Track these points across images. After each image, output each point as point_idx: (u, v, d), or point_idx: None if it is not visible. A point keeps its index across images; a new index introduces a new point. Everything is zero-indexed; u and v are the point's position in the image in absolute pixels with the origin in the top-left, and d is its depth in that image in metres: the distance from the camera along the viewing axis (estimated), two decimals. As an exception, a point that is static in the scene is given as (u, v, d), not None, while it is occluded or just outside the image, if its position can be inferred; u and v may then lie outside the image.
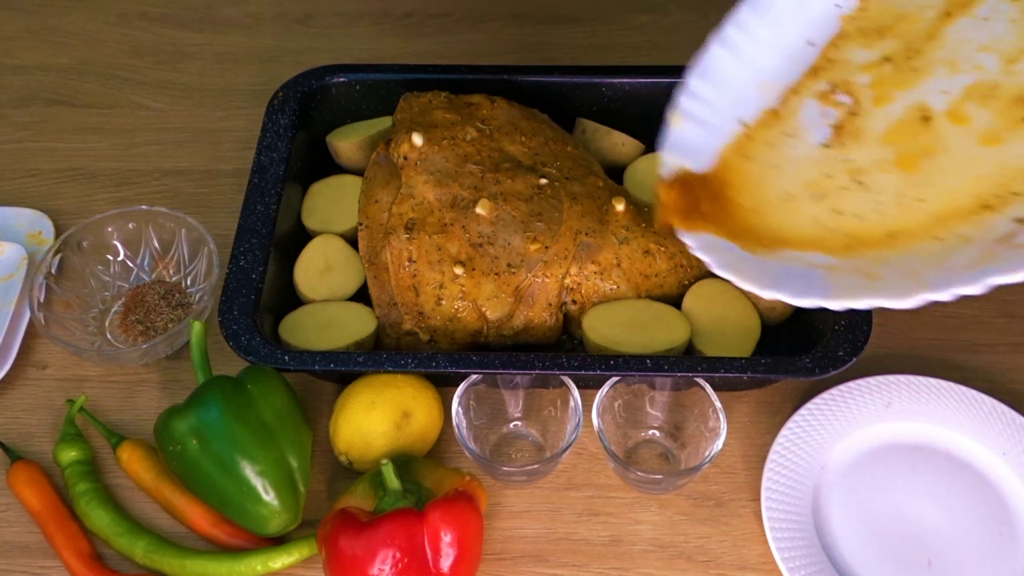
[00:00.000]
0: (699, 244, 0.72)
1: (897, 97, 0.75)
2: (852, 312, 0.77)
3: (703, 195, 0.76)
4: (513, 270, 0.82)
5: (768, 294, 0.68)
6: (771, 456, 0.78)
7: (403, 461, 0.75)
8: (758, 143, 0.77)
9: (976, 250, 0.65)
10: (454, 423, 0.76)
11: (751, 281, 0.69)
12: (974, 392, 0.81)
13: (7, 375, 0.86)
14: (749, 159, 0.77)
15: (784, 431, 0.79)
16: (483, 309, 0.81)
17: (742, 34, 0.80)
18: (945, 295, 0.63)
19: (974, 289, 0.62)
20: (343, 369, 0.77)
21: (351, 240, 0.89)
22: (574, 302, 0.83)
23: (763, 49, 0.80)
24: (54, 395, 0.86)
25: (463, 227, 0.83)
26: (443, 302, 0.81)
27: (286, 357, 0.77)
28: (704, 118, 0.78)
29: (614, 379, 0.77)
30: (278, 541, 0.76)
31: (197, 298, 0.89)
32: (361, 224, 0.86)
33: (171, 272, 0.92)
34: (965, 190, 0.69)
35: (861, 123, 0.75)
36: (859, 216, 0.71)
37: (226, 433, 0.72)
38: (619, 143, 0.95)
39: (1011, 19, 0.73)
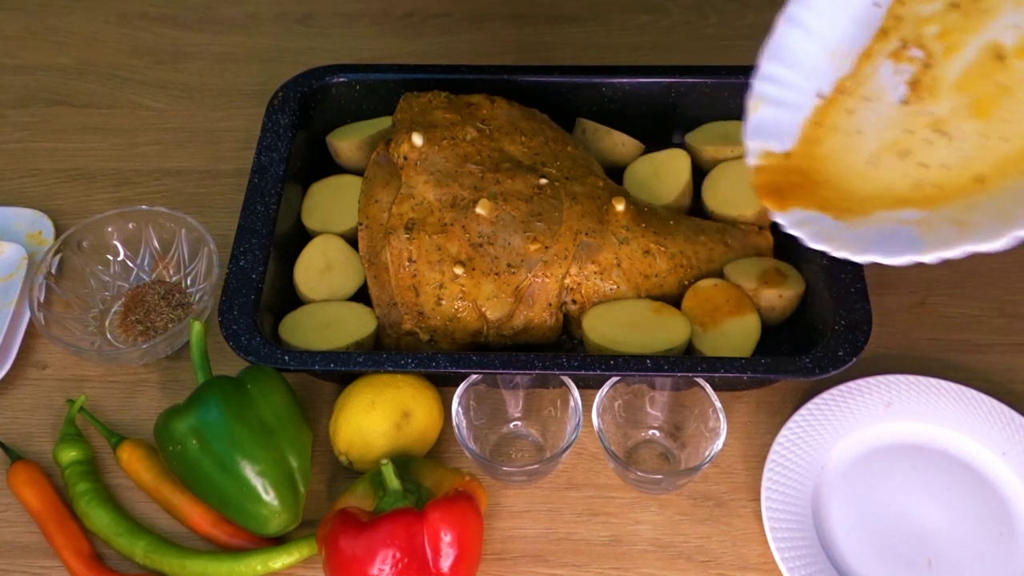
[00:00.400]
0: (791, 221, 0.73)
1: (968, 42, 0.75)
2: (852, 312, 0.77)
3: (792, 172, 0.77)
4: (513, 270, 0.82)
5: (862, 258, 0.69)
6: (771, 456, 0.78)
7: (403, 461, 0.75)
8: (838, 112, 0.78)
9: None
10: (454, 423, 0.76)
11: (845, 247, 0.70)
12: (974, 392, 0.81)
13: (7, 375, 0.86)
14: (831, 129, 0.78)
15: (784, 431, 0.79)
16: (483, 309, 0.81)
17: (806, 9, 0.80)
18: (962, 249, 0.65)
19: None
20: (343, 369, 0.77)
21: (351, 240, 0.89)
22: (574, 302, 0.83)
23: (829, 20, 0.80)
24: (54, 395, 0.86)
25: (463, 227, 0.83)
26: (443, 302, 0.81)
27: (286, 357, 0.77)
28: (781, 98, 0.79)
29: (614, 379, 0.77)
30: (278, 541, 0.76)
31: (197, 298, 0.89)
32: (361, 224, 0.86)
33: (171, 272, 0.92)
34: None
35: (936, 74, 0.75)
36: (945, 166, 0.72)
37: (226, 433, 0.72)
38: (619, 143, 0.95)
39: None
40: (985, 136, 0.72)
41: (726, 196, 0.91)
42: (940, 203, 0.71)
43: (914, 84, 0.76)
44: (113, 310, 0.90)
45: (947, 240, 0.68)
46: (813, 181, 0.76)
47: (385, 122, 0.95)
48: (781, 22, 0.80)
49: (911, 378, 0.82)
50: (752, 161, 0.78)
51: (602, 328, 0.81)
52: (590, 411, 0.76)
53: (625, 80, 0.95)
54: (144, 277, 0.92)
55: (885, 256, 0.69)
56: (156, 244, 0.92)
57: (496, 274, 0.82)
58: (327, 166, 0.96)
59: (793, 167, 0.77)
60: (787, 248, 0.89)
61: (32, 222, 0.96)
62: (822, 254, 0.80)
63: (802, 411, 0.80)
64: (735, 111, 0.95)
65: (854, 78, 0.78)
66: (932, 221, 0.70)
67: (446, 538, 0.68)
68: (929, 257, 0.68)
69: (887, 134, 0.76)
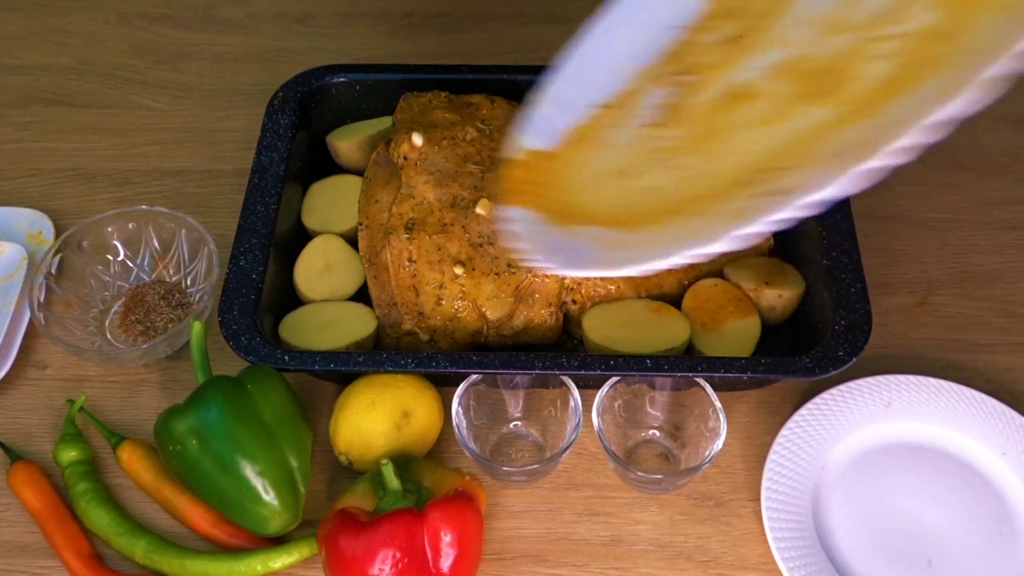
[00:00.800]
0: (509, 215, 0.76)
1: (724, 76, 0.76)
2: (852, 312, 0.77)
3: (542, 172, 0.79)
4: (513, 270, 0.82)
5: (539, 264, 0.73)
6: (771, 456, 0.78)
7: (403, 461, 0.75)
8: (600, 125, 0.79)
9: (710, 222, 0.67)
10: (454, 423, 0.76)
11: (534, 251, 0.73)
12: (974, 392, 0.81)
13: (7, 375, 0.86)
14: (588, 139, 0.79)
15: (784, 431, 0.79)
16: (483, 309, 0.81)
17: (606, 21, 0.82)
18: (662, 264, 0.66)
19: (670, 262, 0.65)
20: (343, 369, 0.77)
21: (351, 240, 0.89)
22: (574, 302, 0.83)
23: (622, 35, 0.81)
24: (54, 395, 0.86)
25: (463, 227, 0.83)
26: (443, 302, 0.81)
27: (286, 357, 0.77)
28: (562, 100, 0.80)
29: (614, 379, 0.77)
30: (278, 541, 0.76)
31: (197, 298, 0.89)
32: (361, 224, 0.86)
33: (171, 272, 0.92)
34: (740, 165, 0.69)
35: (688, 102, 0.76)
36: (654, 192, 0.72)
37: (226, 433, 0.72)
38: (619, 143, 0.95)
39: None
40: (691, 170, 0.72)
41: (726, 196, 0.90)
42: (635, 226, 0.71)
43: (667, 109, 0.76)
44: (113, 310, 0.90)
45: (605, 262, 0.69)
46: (554, 185, 0.77)
47: (385, 122, 0.95)
48: (584, 30, 0.82)
49: (911, 378, 0.82)
50: (511, 153, 0.80)
51: (602, 328, 0.81)
52: (590, 411, 0.76)
53: (625, 80, 0.95)
54: (144, 277, 0.92)
55: (558, 266, 0.72)
56: (156, 244, 0.92)
57: (496, 274, 0.82)
58: (327, 166, 0.96)
59: (545, 168, 0.79)
60: (787, 248, 0.89)
61: (32, 222, 0.96)
62: (822, 254, 0.81)
63: (802, 411, 0.80)
64: (735, 111, 0.95)
65: (625, 94, 0.79)
66: (616, 242, 0.71)
67: (446, 538, 0.68)
68: (581, 272, 0.71)
69: (624, 152, 0.77)
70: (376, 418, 0.76)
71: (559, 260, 0.72)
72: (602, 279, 0.82)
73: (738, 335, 0.81)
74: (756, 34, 0.76)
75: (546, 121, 0.81)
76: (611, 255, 0.70)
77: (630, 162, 0.76)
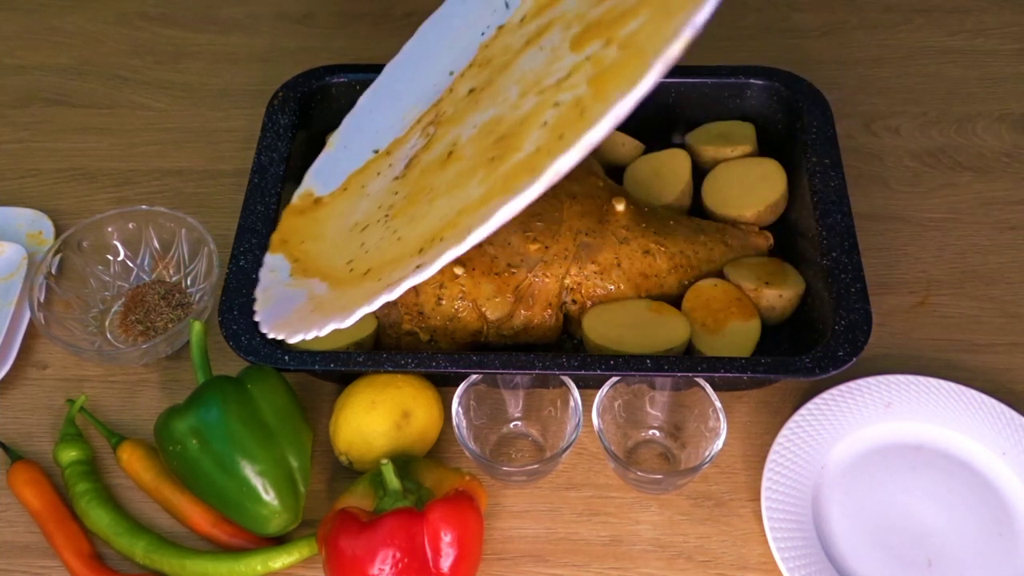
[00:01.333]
0: (266, 262, 0.76)
1: (453, 132, 0.73)
2: (852, 312, 0.77)
3: (309, 219, 0.77)
4: (513, 270, 0.82)
5: (258, 313, 0.73)
6: (771, 456, 0.78)
7: (403, 461, 0.75)
8: (370, 172, 0.77)
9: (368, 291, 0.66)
10: (454, 423, 0.76)
11: (260, 301, 0.73)
12: (974, 392, 0.81)
13: (7, 375, 0.86)
14: (357, 186, 0.77)
15: (784, 431, 0.79)
16: (483, 309, 0.81)
17: (406, 60, 0.78)
18: (323, 331, 0.66)
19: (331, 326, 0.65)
20: (343, 369, 0.77)
21: (351, 240, 0.89)
22: (574, 302, 0.83)
23: (414, 79, 0.78)
24: (54, 395, 0.86)
25: (463, 227, 0.82)
26: (443, 302, 0.81)
27: (286, 357, 0.77)
28: (350, 144, 0.78)
29: (614, 379, 0.77)
30: (278, 541, 0.76)
31: (197, 298, 0.89)
32: (361, 224, 0.86)
33: (171, 272, 0.92)
34: (423, 232, 0.67)
35: (419, 157, 0.73)
36: (368, 250, 0.71)
37: (226, 433, 0.72)
38: (619, 143, 0.95)
39: (552, 48, 0.69)
40: (395, 231, 0.70)
41: (726, 196, 0.91)
42: (341, 285, 0.70)
43: (409, 162, 0.74)
44: (113, 310, 0.90)
45: (296, 324, 0.68)
46: (311, 233, 0.76)
47: (385, 122, 0.95)
48: (387, 67, 0.79)
49: (911, 378, 0.82)
50: (293, 199, 0.79)
51: (602, 328, 0.81)
52: (590, 411, 0.76)
53: (625, 80, 0.95)
54: (144, 277, 0.92)
55: (263, 318, 0.72)
56: (156, 244, 0.92)
57: (496, 274, 0.82)
58: (327, 166, 0.96)
59: (313, 215, 0.77)
60: (787, 248, 0.89)
61: (32, 222, 0.96)
62: (822, 254, 0.81)
63: (802, 411, 0.80)
64: (735, 111, 0.96)
65: (399, 142, 0.77)
66: (325, 302, 0.69)
67: (446, 538, 0.68)
68: (273, 333, 0.70)
69: (370, 205, 0.75)
70: (376, 418, 0.76)
71: (267, 313, 0.72)
72: (602, 279, 0.82)
73: (738, 335, 0.81)
74: (488, 88, 0.72)
75: (333, 164, 0.79)
76: (309, 317, 0.69)
77: (369, 216, 0.74)
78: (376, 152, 0.77)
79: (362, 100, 0.80)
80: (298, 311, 0.71)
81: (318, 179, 0.80)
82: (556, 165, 0.58)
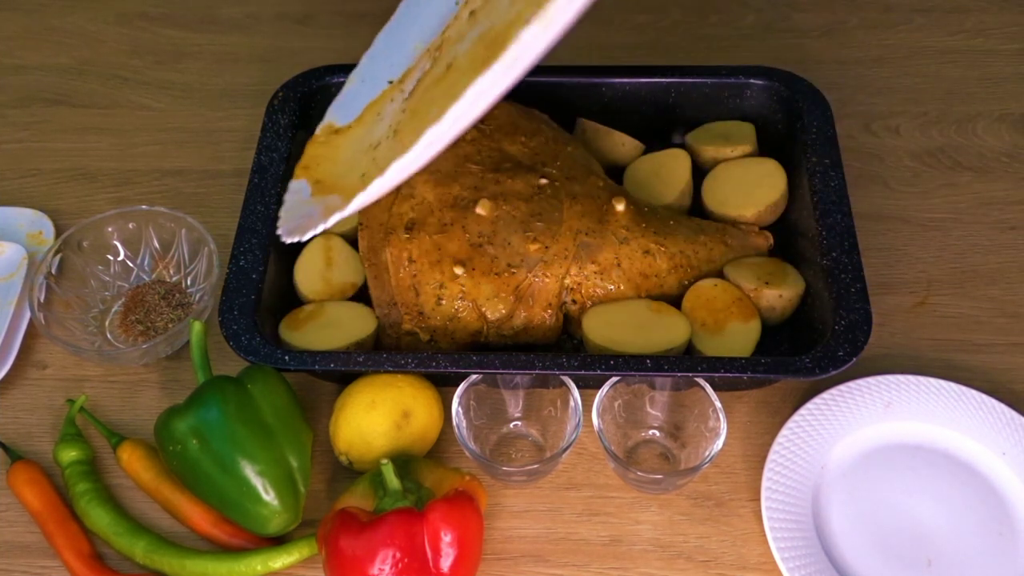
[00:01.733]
0: (291, 187, 0.80)
1: (450, 50, 0.75)
2: (852, 312, 0.77)
3: (330, 146, 0.81)
4: (513, 270, 0.82)
5: (280, 228, 0.77)
6: (771, 456, 0.78)
7: (403, 461, 0.75)
8: (385, 99, 0.80)
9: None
10: (454, 423, 0.76)
11: (281, 220, 0.77)
12: (974, 392, 0.81)
13: (7, 375, 0.86)
14: (372, 113, 0.80)
15: (784, 431, 0.79)
16: (483, 309, 0.81)
17: None
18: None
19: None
20: (343, 369, 0.77)
21: (351, 240, 0.89)
22: (574, 302, 0.83)
23: (423, 12, 0.82)
24: (54, 395, 0.86)
25: (463, 227, 0.83)
26: (443, 302, 0.81)
27: (286, 357, 0.77)
28: (366, 77, 0.82)
29: (614, 379, 0.77)
30: (278, 541, 0.76)
31: (197, 298, 0.89)
32: (361, 224, 0.86)
33: (171, 272, 0.92)
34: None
35: (427, 76, 0.76)
36: (379, 162, 0.73)
37: (226, 433, 0.72)
38: (619, 143, 0.95)
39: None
40: (400, 142, 0.72)
41: (726, 196, 0.91)
42: (354, 194, 0.72)
43: (417, 84, 0.77)
44: (113, 310, 0.90)
45: (322, 219, 0.72)
46: (332, 158, 0.80)
47: (385, 122, 0.95)
48: (401, 5, 0.83)
49: (911, 378, 0.82)
50: (316, 131, 0.82)
51: (602, 328, 0.81)
52: (590, 411, 0.76)
53: (625, 80, 0.95)
54: (144, 277, 0.92)
55: (285, 232, 0.76)
56: (156, 244, 0.92)
57: (496, 274, 0.82)
58: (327, 166, 0.96)
59: (334, 142, 0.81)
60: (787, 248, 0.89)
61: (32, 222, 0.96)
62: (822, 254, 0.81)
63: (802, 411, 0.80)
64: (735, 111, 0.96)
65: (410, 70, 0.79)
66: (335, 206, 0.73)
67: (446, 538, 0.68)
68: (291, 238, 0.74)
69: (383, 126, 0.78)
70: (376, 418, 0.76)
71: (286, 228, 0.76)
72: (602, 279, 0.82)
73: (738, 335, 0.81)
74: (486, 6, 0.75)
75: (353, 98, 0.83)
76: (318, 217, 0.73)
77: (381, 136, 0.77)
78: (390, 82, 0.80)
79: (378, 37, 0.84)
80: (311, 218, 0.74)
81: (338, 112, 0.84)
82: (522, 35, 0.59)
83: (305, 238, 0.73)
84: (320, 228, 0.72)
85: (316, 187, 0.79)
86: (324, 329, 0.82)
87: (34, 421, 0.85)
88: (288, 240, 0.75)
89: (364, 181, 0.70)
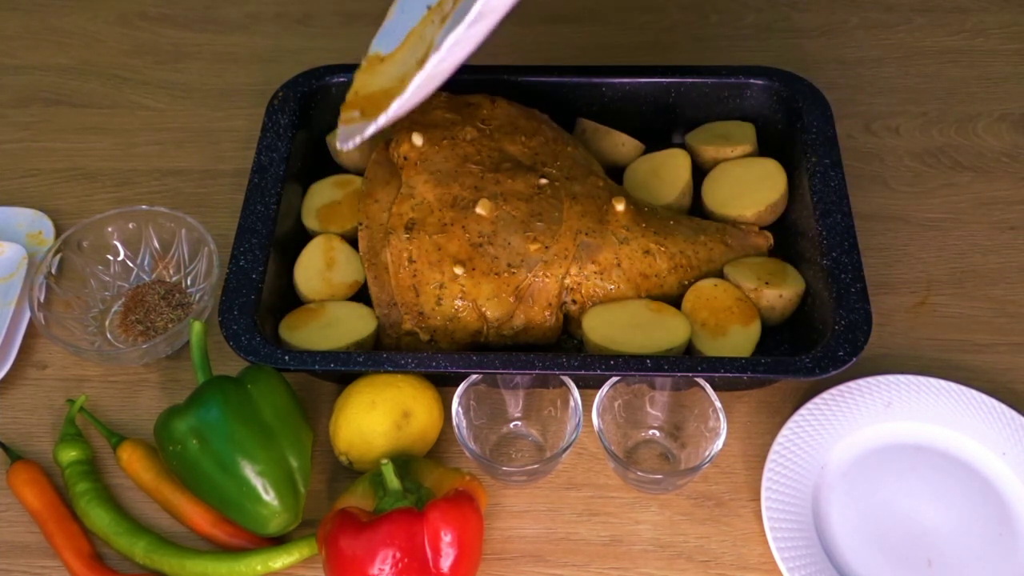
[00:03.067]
0: (343, 117, 0.81)
1: None
2: (852, 312, 0.77)
3: (375, 74, 0.83)
4: (513, 270, 0.82)
5: (339, 145, 0.78)
6: (771, 456, 0.78)
7: (403, 461, 0.75)
8: (427, 23, 0.81)
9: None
10: (454, 423, 0.76)
11: (339, 142, 0.78)
12: (974, 392, 0.81)
13: (7, 375, 0.86)
14: (417, 36, 0.81)
15: (784, 431, 0.79)
16: (483, 309, 0.81)
17: None
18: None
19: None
20: (343, 369, 0.77)
21: (351, 240, 0.89)
22: (574, 302, 0.83)
23: None
24: (54, 395, 0.86)
25: (463, 227, 0.83)
26: (443, 302, 0.81)
27: (286, 357, 0.77)
28: (407, 7, 0.83)
29: (614, 379, 0.77)
30: (278, 541, 0.76)
31: (197, 298, 0.89)
32: (361, 224, 0.86)
33: (171, 272, 0.92)
34: None
35: None
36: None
37: (226, 433, 0.72)
38: (619, 143, 0.95)
39: None
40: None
41: (726, 196, 0.91)
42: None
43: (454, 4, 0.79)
44: (113, 310, 0.90)
45: (383, 113, 0.73)
46: (381, 80, 0.81)
47: (385, 122, 0.95)
48: None
49: (911, 378, 0.82)
50: (362, 62, 0.83)
51: (602, 328, 0.81)
52: (590, 411, 0.76)
53: (625, 80, 0.95)
54: (144, 277, 0.92)
55: (341, 141, 0.77)
56: (156, 244, 0.92)
57: (496, 274, 0.82)
58: (327, 166, 0.96)
59: (379, 70, 0.82)
60: (787, 248, 0.89)
61: (32, 222, 0.96)
62: (822, 254, 0.81)
63: (802, 411, 0.80)
64: (735, 111, 0.96)
65: None
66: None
67: (446, 538, 0.68)
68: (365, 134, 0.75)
69: (425, 43, 0.79)
70: (376, 418, 0.76)
71: (343, 136, 0.78)
72: (602, 279, 0.82)
73: (738, 335, 0.81)
74: None
75: (394, 27, 0.84)
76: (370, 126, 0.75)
77: (424, 53, 0.79)
78: (429, 7, 0.82)
79: None
80: (364, 125, 0.76)
81: (381, 42, 0.85)
82: None
83: (365, 135, 0.74)
84: (372, 128, 0.73)
85: (368, 111, 0.80)
86: (324, 329, 0.82)
87: (34, 421, 0.85)
88: (347, 146, 0.76)
89: (403, 83, 0.72)
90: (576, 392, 0.76)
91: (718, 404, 0.75)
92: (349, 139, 0.77)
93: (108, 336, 0.89)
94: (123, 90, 1.10)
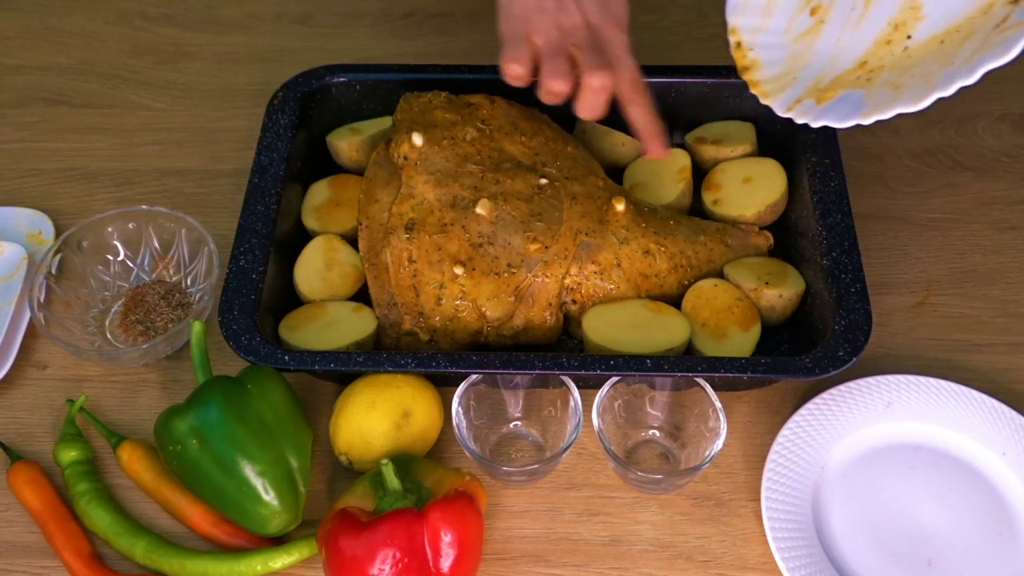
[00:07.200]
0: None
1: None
2: (852, 312, 0.77)
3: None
4: (513, 270, 0.82)
5: (817, 123, 0.79)
6: (771, 456, 0.78)
7: (403, 461, 0.75)
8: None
9: (975, 42, 0.74)
10: (454, 423, 0.76)
11: (801, 116, 0.80)
12: (974, 392, 0.81)
13: (7, 375, 0.86)
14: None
15: (784, 431, 0.79)
16: (483, 309, 0.81)
17: None
18: (950, 90, 0.72)
19: (971, 78, 0.72)
20: (343, 369, 0.77)
21: (351, 240, 0.89)
22: (574, 302, 0.83)
23: None
24: (54, 395, 0.86)
25: (463, 227, 0.83)
26: (443, 302, 0.81)
27: (286, 357, 0.77)
28: None
29: (614, 379, 0.77)
30: (278, 541, 0.76)
31: (197, 298, 0.89)
32: (361, 224, 0.86)
33: (171, 272, 0.92)
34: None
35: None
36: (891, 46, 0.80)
37: (226, 433, 0.72)
38: (619, 143, 0.95)
39: None
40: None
41: (726, 196, 0.91)
42: (877, 73, 0.78)
43: None
44: (113, 310, 0.90)
45: (882, 103, 0.76)
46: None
47: (385, 122, 0.95)
48: None
49: (911, 378, 0.82)
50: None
51: (602, 328, 0.81)
52: (590, 411, 0.76)
53: (625, 80, 0.95)
54: (144, 277, 0.92)
55: (835, 120, 0.78)
56: (156, 244, 0.92)
57: (496, 274, 0.82)
58: (327, 166, 0.96)
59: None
60: (787, 248, 0.89)
61: (32, 222, 0.96)
62: (822, 254, 0.81)
63: (802, 411, 0.80)
64: (735, 111, 0.96)
65: None
66: (874, 86, 0.78)
67: (446, 538, 0.68)
68: (867, 119, 0.77)
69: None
70: (376, 418, 0.76)
71: (833, 116, 0.79)
72: (602, 279, 0.82)
73: (738, 335, 0.81)
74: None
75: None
76: (880, 96, 0.78)
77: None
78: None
79: None
80: (860, 101, 0.79)
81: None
82: None
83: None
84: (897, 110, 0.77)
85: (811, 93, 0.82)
86: (324, 329, 0.82)
87: (34, 421, 0.85)
88: (851, 123, 0.78)
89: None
90: (576, 392, 0.76)
91: (718, 404, 0.75)
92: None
93: (108, 336, 0.89)
94: (123, 90, 1.10)
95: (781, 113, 0.82)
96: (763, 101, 0.84)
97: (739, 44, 0.87)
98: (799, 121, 0.81)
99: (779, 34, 0.86)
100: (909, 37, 0.79)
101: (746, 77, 0.86)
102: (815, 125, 0.80)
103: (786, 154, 0.91)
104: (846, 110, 0.78)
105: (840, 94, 0.80)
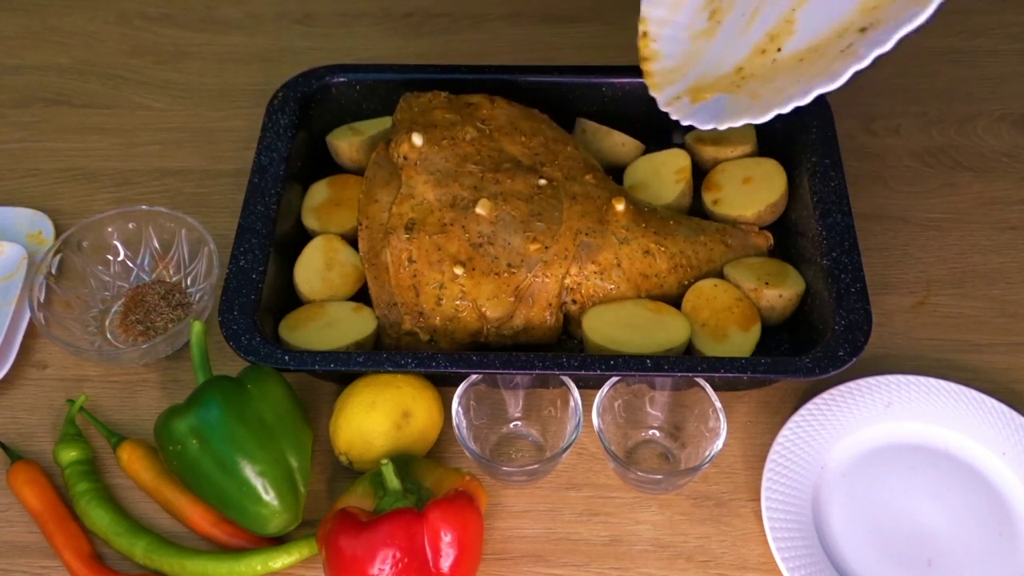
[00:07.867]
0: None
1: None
2: (852, 312, 0.77)
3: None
4: (513, 270, 0.82)
5: (687, 121, 0.82)
6: (771, 456, 0.78)
7: (403, 461, 0.75)
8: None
9: (820, 65, 0.76)
10: (454, 423, 0.76)
11: (676, 112, 0.84)
12: (974, 392, 0.81)
13: (7, 375, 0.86)
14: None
15: (784, 431, 0.79)
16: (483, 309, 0.81)
17: None
18: (787, 108, 0.76)
19: (805, 100, 0.75)
20: (343, 369, 0.77)
21: (351, 240, 0.89)
22: (574, 302, 0.83)
23: None
24: (54, 395, 0.86)
25: (463, 227, 0.83)
26: (443, 302, 0.81)
27: (286, 357, 0.77)
28: None
29: (614, 379, 0.77)
30: (278, 541, 0.76)
31: (197, 298, 0.89)
32: (361, 224, 0.86)
33: (171, 272, 0.92)
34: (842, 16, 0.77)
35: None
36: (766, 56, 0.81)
37: (226, 433, 0.72)
38: (619, 143, 0.95)
39: None
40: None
41: (726, 196, 0.91)
42: (745, 81, 0.80)
43: None
44: (113, 310, 0.90)
45: (741, 111, 0.79)
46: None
47: (385, 122, 0.95)
48: None
49: (911, 378, 0.82)
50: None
51: (602, 328, 0.81)
52: (590, 411, 0.76)
53: (625, 80, 0.95)
54: (144, 277, 0.92)
55: (701, 122, 0.82)
56: (156, 244, 0.92)
57: (496, 274, 0.82)
58: (327, 166, 0.96)
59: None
60: (787, 248, 0.89)
61: (32, 222, 0.96)
62: (822, 254, 0.81)
63: (802, 411, 0.80)
64: (735, 111, 0.95)
65: None
66: (738, 95, 0.80)
67: (446, 538, 0.68)
68: (724, 124, 0.80)
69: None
70: (376, 418, 0.76)
71: (699, 118, 0.82)
72: (602, 279, 0.82)
73: (738, 335, 0.81)
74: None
75: None
76: (741, 104, 0.81)
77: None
78: None
79: None
80: (723, 107, 0.81)
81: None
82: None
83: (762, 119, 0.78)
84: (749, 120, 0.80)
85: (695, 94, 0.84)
86: (324, 329, 0.82)
87: (34, 421, 0.85)
88: (710, 125, 0.81)
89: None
90: (576, 392, 0.76)
91: (718, 404, 0.75)
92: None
93: (108, 336, 0.89)
94: (123, 90, 1.10)
95: (661, 107, 0.85)
96: (651, 92, 0.87)
97: (645, 34, 0.88)
98: (674, 117, 0.84)
99: (682, 29, 0.88)
100: (779, 50, 0.81)
101: (643, 67, 0.88)
102: (684, 123, 0.83)
103: (786, 154, 0.91)
104: (711, 113, 0.81)
105: (713, 96, 0.82)
